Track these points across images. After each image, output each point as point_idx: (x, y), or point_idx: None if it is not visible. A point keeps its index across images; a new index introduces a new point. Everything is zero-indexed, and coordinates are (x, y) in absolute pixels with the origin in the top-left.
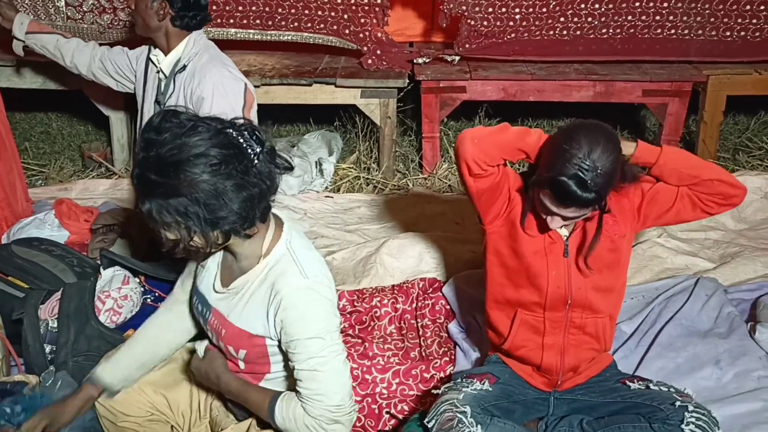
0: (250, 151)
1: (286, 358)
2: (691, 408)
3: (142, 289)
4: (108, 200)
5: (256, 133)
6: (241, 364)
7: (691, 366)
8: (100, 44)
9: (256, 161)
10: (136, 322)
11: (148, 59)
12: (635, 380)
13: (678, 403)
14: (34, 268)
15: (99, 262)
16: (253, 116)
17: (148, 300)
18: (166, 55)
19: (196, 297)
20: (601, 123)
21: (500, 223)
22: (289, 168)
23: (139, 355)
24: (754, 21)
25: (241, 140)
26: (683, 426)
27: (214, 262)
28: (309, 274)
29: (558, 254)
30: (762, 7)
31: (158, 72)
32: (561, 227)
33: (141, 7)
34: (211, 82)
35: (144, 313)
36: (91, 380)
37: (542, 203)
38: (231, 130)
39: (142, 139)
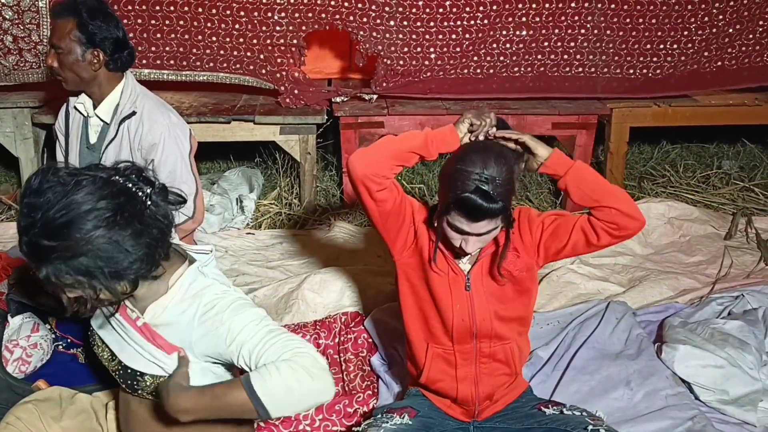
0: (141, 194)
1: None
2: (602, 431)
3: (54, 335)
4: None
5: (143, 174)
6: None
7: (603, 388)
8: None
9: (149, 203)
10: (47, 370)
11: (68, 111)
12: (550, 405)
13: (590, 428)
14: None
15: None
16: (193, 160)
17: (60, 347)
18: (99, 101)
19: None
20: (487, 140)
21: (409, 254)
22: (183, 201)
23: None
24: (655, 59)
25: (130, 185)
26: None
27: None
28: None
29: (461, 288)
30: (661, 46)
31: (87, 118)
32: (472, 252)
33: (69, 62)
34: (162, 128)
35: (55, 360)
36: None
37: (454, 227)
38: (117, 177)
39: (24, 204)
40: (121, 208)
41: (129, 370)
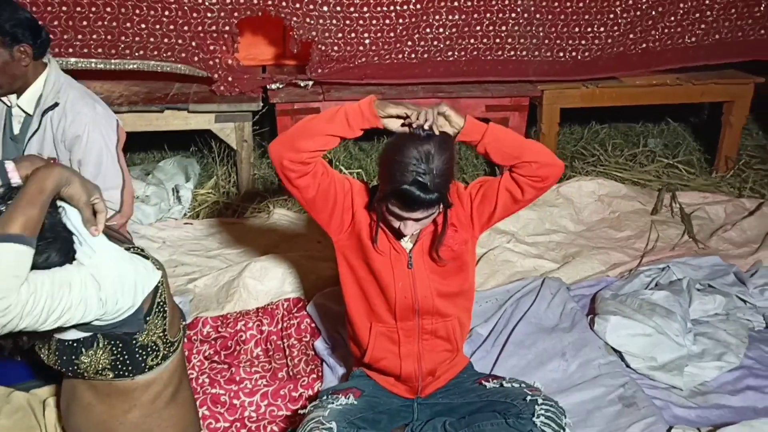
0: None
1: None
2: (540, 401)
3: None
4: None
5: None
6: None
7: (540, 360)
8: None
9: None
10: None
11: None
12: (490, 379)
13: (529, 398)
14: None
15: None
16: (120, 152)
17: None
18: (22, 91)
19: None
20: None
21: (346, 236)
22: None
23: None
24: (583, 42)
25: None
26: (534, 419)
27: None
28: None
29: (403, 266)
30: (589, 29)
31: (10, 108)
32: (411, 234)
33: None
34: (86, 119)
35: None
36: None
37: (392, 213)
38: None
39: None
40: None
41: (66, 344)
